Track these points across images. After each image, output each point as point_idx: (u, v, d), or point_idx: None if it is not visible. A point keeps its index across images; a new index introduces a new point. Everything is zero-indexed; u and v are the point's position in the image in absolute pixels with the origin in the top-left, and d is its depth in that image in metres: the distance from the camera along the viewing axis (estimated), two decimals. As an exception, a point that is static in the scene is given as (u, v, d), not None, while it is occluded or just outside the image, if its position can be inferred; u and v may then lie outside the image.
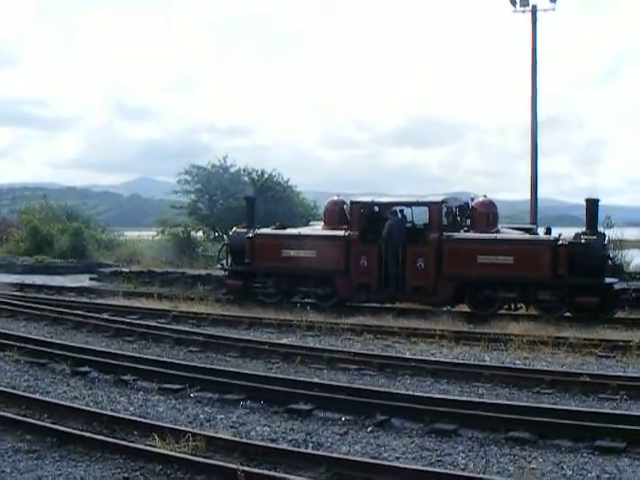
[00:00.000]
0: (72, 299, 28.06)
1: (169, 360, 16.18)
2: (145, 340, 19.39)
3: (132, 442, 10.45)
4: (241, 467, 9.10)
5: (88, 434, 10.73)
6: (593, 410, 12.32)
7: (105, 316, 22.83)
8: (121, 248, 49.02)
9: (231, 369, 15.27)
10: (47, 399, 12.85)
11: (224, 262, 28.38)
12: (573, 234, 23.61)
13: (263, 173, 45.98)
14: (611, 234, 32.74)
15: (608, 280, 23.57)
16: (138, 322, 21.78)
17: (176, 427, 11.03)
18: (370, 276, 25.13)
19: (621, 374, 15.30)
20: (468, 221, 25.43)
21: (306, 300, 26.01)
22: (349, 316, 23.19)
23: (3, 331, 19.41)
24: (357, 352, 17.33)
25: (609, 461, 10.12)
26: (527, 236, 24.55)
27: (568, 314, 23.02)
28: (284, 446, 10.57)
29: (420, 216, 26.23)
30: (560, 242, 23.26)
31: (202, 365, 15.77)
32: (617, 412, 12.29)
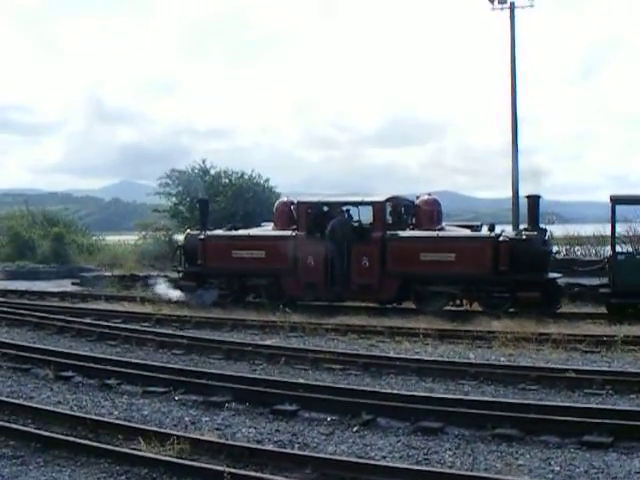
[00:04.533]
0: (55, 304, 27.95)
1: (153, 363, 16.11)
2: (129, 344, 19.30)
3: (117, 446, 10.40)
4: (227, 469, 9.06)
5: (73, 439, 10.67)
6: (579, 405, 12.32)
7: (88, 320, 22.71)
8: (103, 252, 48.94)
9: (215, 371, 15.21)
10: (31, 404, 12.78)
11: (178, 264, 28.70)
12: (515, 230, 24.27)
13: (243, 175, 45.89)
14: (595, 231, 32.87)
15: (551, 275, 24.02)
16: (121, 326, 21.68)
17: (161, 430, 10.99)
18: (317, 275, 25.41)
19: (606, 369, 15.32)
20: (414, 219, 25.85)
21: (258, 300, 26.58)
22: (333, 316, 23.16)
23: (-15, 337, 19.32)
24: (341, 352, 17.29)
25: (597, 456, 10.10)
26: (468, 233, 25.01)
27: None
28: (270, 447, 10.53)
29: (367, 215, 26.51)
30: (501, 238, 23.68)
31: (186, 368, 15.71)
32: (603, 407, 12.28)
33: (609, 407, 12.27)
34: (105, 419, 11.86)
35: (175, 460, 9.65)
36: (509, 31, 35.95)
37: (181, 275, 28.45)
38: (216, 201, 42.55)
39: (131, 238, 51.09)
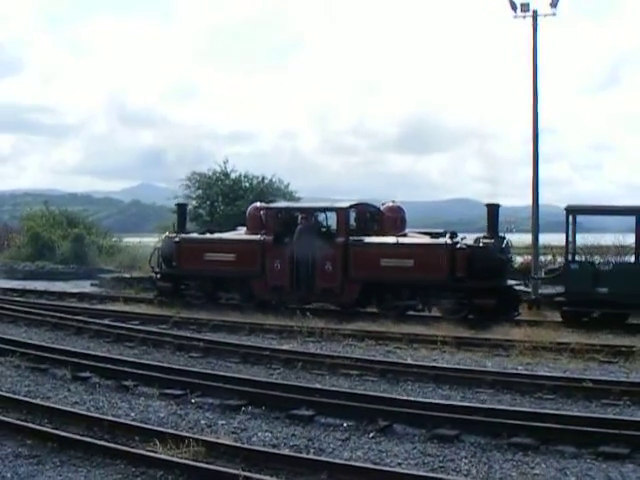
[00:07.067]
0: (73, 305, 28.02)
1: (170, 366, 16.14)
2: (146, 346, 19.35)
3: (133, 448, 10.43)
4: (243, 473, 9.07)
5: (89, 439, 10.71)
6: (596, 416, 12.26)
7: (106, 322, 22.79)
8: (122, 254, 49.00)
9: (232, 375, 15.22)
10: (48, 404, 12.83)
11: (155, 266, 29.40)
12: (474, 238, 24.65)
13: (264, 179, 45.83)
14: (615, 240, 32.72)
15: (509, 282, 24.52)
16: (139, 328, 21.73)
17: (177, 433, 11.01)
18: (283, 278, 26.13)
19: (624, 380, 15.25)
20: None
21: (230, 302, 27.27)
22: (350, 322, 23.14)
23: (4, 336, 19.39)
24: (359, 358, 17.27)
25: (613, 467, 10.07)
26: (426, 240, 25.42)
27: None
28: (286, 452, 10.54)
29: (334, 221, 27.10)
30: (458, 246, 24.11)
31: (203, 371, 15.73)
32: (620, 418, 12.23)
33: (626, 418, 12.23)
34: (121, 420, 11.90)
35: (191, 463, 9.66)
36: (531, 39, 35.76)
37: (158, 276, 29.15)
38: (237, 205, 42.54)
39: (151, 240, 51.11)
